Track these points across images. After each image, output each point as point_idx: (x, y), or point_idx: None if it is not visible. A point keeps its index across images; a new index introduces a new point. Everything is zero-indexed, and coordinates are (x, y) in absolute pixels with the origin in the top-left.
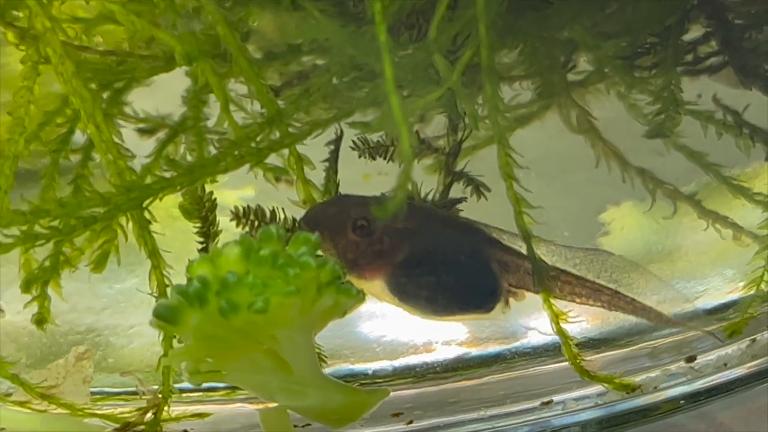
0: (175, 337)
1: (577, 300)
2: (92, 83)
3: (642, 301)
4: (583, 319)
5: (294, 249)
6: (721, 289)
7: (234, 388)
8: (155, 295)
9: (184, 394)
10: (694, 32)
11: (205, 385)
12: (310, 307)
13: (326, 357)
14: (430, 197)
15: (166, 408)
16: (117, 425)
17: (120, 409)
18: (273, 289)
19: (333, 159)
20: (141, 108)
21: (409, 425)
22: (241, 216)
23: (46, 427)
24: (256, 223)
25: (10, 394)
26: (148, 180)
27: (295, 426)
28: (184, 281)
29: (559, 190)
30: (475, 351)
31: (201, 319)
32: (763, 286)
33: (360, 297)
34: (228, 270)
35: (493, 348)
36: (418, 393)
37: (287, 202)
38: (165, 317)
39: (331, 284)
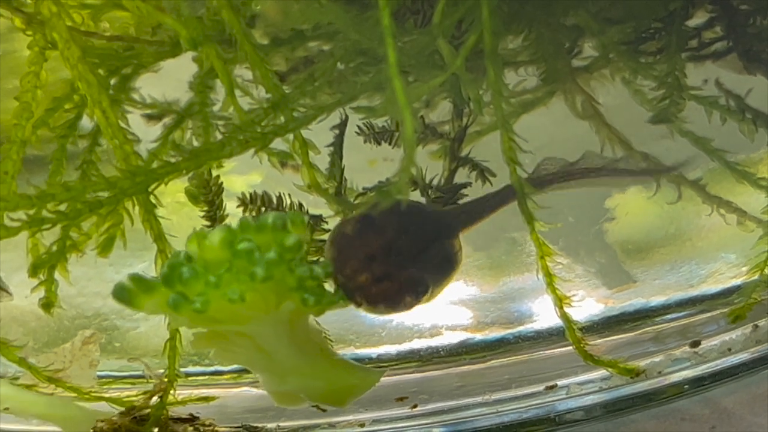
0: None
1: None
2: (99, 69)
3: None
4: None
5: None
6: (725, 274)
7: (240, 372)
8: None
9: (190, 378)
10: (699, 18)
11: (211, 368)
12: (275, 308)
13: (332, 341)
14: (435, 182)
15: (172, 392)
16: (123, 409)
17: (126, 393)
18: (220, 291)
19: (338, 144)
20: (148, 94)
21: (414, 409)
22: (248, 202)
23: (52, 410)
24: (263, 209)
25: (17, 378)
26: (154, 165)
27: None
28: None
29: None
30: (479, 335)
31: (158, 303)
32: (767, 271)
33: (328, 302)
34: (212, 254)
35: (497, 332)
36: (423, 377)
37: (294, 188)
38: (121, 299)
39: (298, 289)
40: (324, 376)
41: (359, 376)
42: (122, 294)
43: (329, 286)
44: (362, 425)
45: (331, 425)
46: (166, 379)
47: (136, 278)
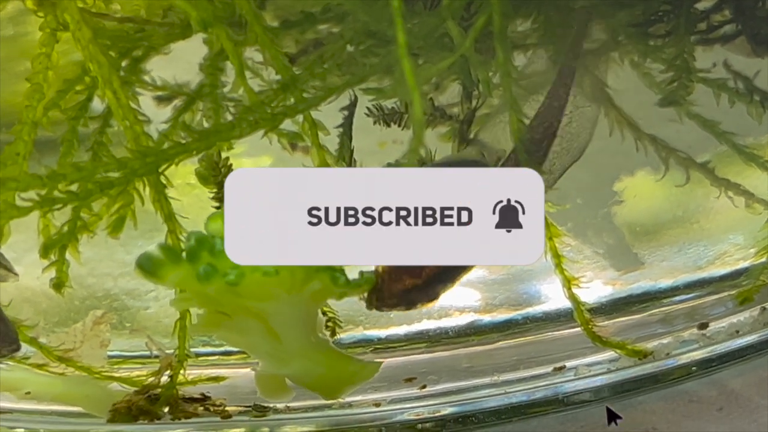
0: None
1: None
2: (111, 50)
3: None
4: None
5: None
6: (733, 256)
7: None
8: None
9: (200, 358)
10: (708, 1)
11: (220, 348)
12: (300, 287)
13: (341, 322)
14: None
15: (182, 371)
16: (134, 388)
17: (137, 372)
18: (253, 266)
19: (347, 125)
20: (159, 76)
21: (423, 390)
22: None
23: (72, 390)
24: None
25: (28, 357)
26: (165, 146)
27: None
28: None
29: None
30: (487, 317)
31: (182, 276)
32: None
33: (356, 284)
34: None
35: (505, 314)
36: (432, 358)
37: None
38: (145, 269)
39: (325, 270)
40: (327, 363)
41: (359, 365)
42: (147, 263)
43: None
44: (378, 405)
45: (342, 405)
46: (177, 359)
47: (166, 247)
